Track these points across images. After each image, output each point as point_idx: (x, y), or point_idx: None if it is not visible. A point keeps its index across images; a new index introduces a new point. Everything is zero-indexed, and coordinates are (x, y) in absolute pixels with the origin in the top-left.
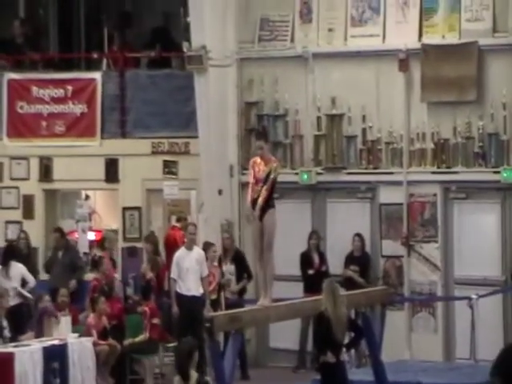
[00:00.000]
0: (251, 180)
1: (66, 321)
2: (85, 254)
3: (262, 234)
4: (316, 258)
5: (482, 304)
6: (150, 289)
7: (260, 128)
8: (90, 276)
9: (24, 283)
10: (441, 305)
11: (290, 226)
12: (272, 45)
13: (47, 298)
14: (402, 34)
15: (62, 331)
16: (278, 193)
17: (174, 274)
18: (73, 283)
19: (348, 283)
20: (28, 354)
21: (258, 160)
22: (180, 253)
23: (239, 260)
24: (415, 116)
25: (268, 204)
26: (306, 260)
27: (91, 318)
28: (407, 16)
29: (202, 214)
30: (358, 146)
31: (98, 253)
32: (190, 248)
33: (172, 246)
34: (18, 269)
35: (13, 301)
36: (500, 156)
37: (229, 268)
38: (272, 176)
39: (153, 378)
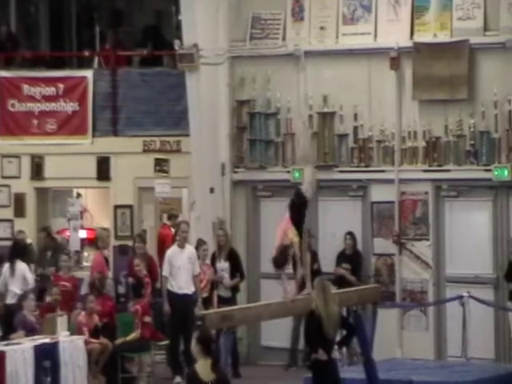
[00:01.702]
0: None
1: (61, 321)
2: (76, 252)
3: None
4: (308, 257)
5: (473, 302)
6: (143, 287)
7: None
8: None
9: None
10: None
11: None
12: (264, 43)
13: (32, 296)
14: (394, 33)
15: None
16: (269, 191)
17: (165, 271)
18: None
19: (340, 281)
20: (19, 352)
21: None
22: (172, 251)
23: (233, 259)
24: (407, 114)
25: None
26: None
27: (82, 317)
28: (399, 14)
29: (194, 213)
30: (350, 144)
31: (88, 252)
32: (182, 246)
33: (164, 244)
34: (20, 268)
35: (11, 300)
36: (491, 154)
37: (222, 265)
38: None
39: (145, 377)
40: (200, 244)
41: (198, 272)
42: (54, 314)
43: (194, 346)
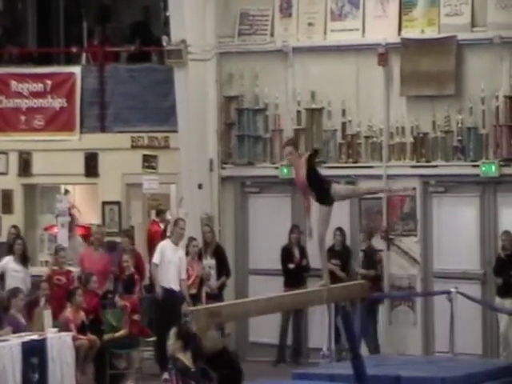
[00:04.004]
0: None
1: (46, 315)
2: (62, 249)
3: (329, 219)
4: (297, 253)
5: (461, 297)
6: (133, 283)
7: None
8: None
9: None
10: (420, 298)
11: (270, 221)
12: (252, 39)
13: (22, 296)
14: (382, 29)
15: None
16: (257, 187)
17: (156, 259)
18: None
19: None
20: (7, 349)
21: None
22: (166, 243)
23: (219, 255)
24: (394, 110)
25: (324, 186)
26: (286, 254)
27: (69, 313)
28: (386, 10)
29: (182, 209)
30: (338, 140)
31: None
32: (176, 243)
33: (153, 242)
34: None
35: None
36: (479, 150)
37: (209, 262)
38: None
39: (133, 373)
40: (190, 240)
41: (185, 277)
42: (40, 308)
43: (175, 343)
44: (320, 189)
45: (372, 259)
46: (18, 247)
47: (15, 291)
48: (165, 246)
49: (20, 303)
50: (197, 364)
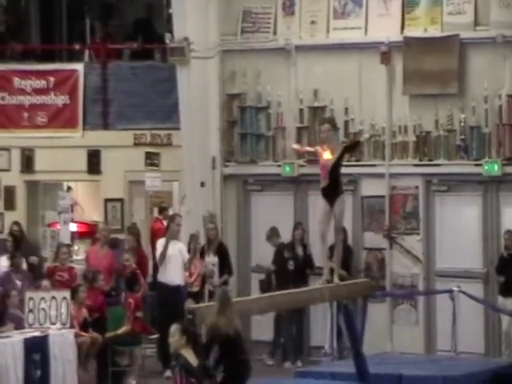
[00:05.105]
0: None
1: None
2: (66, 245)
3: (330, 219)
4: (300, 250)
5: (463, 296)
6: (136, 280)
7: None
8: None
9: None
10: (422, 297)
11: (273, 219)
12: (254, 37)
13: (15, 293)
14: (384, 27)
15: None
16: (260, 185)
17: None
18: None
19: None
20: (9, 345)
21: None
22: (165, 240)
23: (222, 253)
24: (397, 109)
25: (339, 190)
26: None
27: (71, 309)
28: (389, 9)
29: (184, 206)
30: (341, 138)
31: (79, 245)
32: (173, 238)
33: (157, 238)
34: None
35: None
36: (481, 149)
37: (212, 259)
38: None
39: (136, 370)
40: (192, 238)
41: (187, 267)
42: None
43: (179, 339)
44: (334, 183)
45: None
46: (9, 244)
47: (6, 291)
48: (163, 243)
49: (15, 300)
50: (199, 361)
